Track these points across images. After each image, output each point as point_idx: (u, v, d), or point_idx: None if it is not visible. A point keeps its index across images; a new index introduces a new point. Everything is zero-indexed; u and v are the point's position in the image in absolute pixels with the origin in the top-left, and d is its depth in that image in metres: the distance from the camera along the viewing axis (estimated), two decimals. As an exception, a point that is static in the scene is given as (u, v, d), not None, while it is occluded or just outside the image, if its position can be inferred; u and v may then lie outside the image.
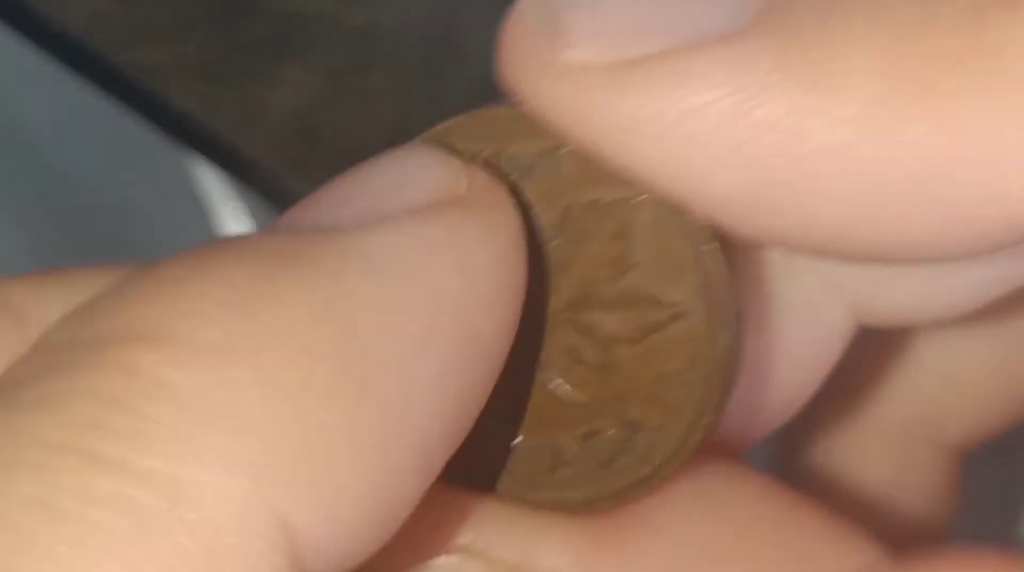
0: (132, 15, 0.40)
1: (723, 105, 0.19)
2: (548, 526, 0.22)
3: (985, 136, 0.19)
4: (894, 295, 0.24)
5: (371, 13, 0.42)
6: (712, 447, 0.22)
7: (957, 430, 0.30)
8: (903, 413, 0.29)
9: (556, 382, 0.22)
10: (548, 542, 0.22)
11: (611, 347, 0.22)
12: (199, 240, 0.19)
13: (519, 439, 0.22)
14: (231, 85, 0.42)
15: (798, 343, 0.24)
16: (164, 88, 0.41)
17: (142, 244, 0.43)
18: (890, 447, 0.29)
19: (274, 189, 0.45)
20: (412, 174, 0.20)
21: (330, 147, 0.45)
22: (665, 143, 0.20)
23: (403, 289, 0.19)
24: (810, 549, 0.23)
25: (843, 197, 0.19)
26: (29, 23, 0.39)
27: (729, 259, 0.21)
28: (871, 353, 0.29)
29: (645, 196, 0.21)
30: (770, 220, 0.20)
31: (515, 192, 0.21)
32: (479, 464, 0.22)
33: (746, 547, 0.22)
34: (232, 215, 0.45)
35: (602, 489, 0.22)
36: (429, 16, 0.42)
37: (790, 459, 0.31)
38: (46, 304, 0.20)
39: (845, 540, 0.23)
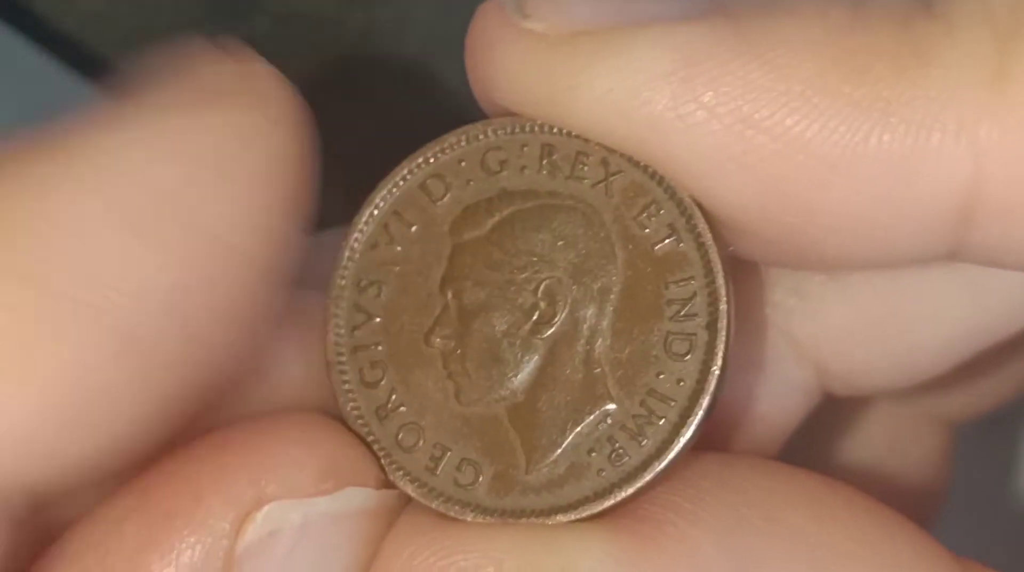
0: (132, 15, 0.40)
1: (666, 69, 0.20)
2: (577, 538, 0.21)
3: (916, 119, 0.20)
4: (855, 362, 0.25)
5: (371, 13, 0.42)
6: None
7: (953, 405, 0.30)
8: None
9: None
10: (587, 554, 0.21)
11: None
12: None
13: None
14: (231, 85, 0.42)
15: (761, 401, 0.25)
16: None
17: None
18: (887, 421, 0.30)
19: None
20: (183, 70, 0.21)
21: (329, 147, 0.44)
22: (607, 102, 0.21)
23: (99, 189, 0.19)
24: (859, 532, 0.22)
25: (771, 168, 0.20)
26: (29, 23, 0.39)
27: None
28: None
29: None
30: (699, 185, 0.21)
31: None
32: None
33: (787, 532, 0.22)
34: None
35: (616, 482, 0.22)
36: (429, 16, 0.42)
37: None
38: None
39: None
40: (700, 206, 0.22)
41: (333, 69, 0.43)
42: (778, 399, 0.25)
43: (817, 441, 0.30)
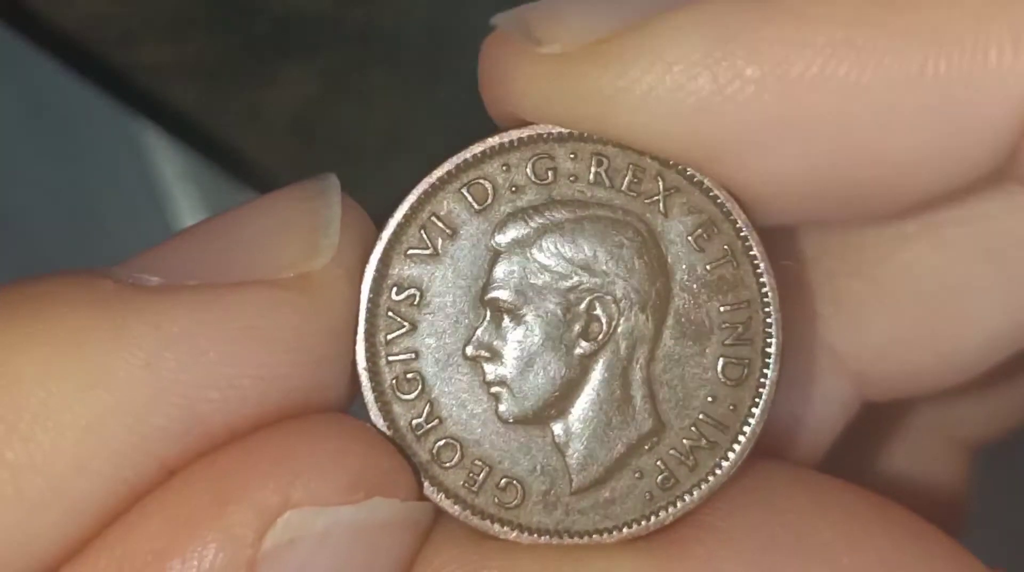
0: (132, 15, 0.40)
1: (701, 54, 0.20)
2: (606, 557, 0.21)
3: (969, 40, 0.19)
4: (895, 367, 0.24)
5: (371, 13, 0.42)
6: None
7: (969, 427, 0.30)
8: (917, 410, 0.29)
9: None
10: None
11: None
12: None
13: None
14: (231, 85, 0.42)
15: (802, 415, 0.24)
16: (164, 88, 0.41)
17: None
18: (910, 442, 0.29)
19: (273, 189, 0.45)
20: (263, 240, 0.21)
21: (329, 147, 0.45)
22: (651, 103, 0.20)
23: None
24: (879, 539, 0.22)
25: (832, 125, 0.20)
26: (29, 23, 0.39)
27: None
28: None
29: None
30: (764, 162, 0.20)
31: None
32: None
33: (815, 542, 0.21)
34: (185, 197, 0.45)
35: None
36: (429, 16, 0.42)
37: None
38: None
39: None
40: (755, 230, 0.21)
41: (333, 69, 0.43)
42: (818, 414, 0.25)
43: (842, 455, 0.30)
